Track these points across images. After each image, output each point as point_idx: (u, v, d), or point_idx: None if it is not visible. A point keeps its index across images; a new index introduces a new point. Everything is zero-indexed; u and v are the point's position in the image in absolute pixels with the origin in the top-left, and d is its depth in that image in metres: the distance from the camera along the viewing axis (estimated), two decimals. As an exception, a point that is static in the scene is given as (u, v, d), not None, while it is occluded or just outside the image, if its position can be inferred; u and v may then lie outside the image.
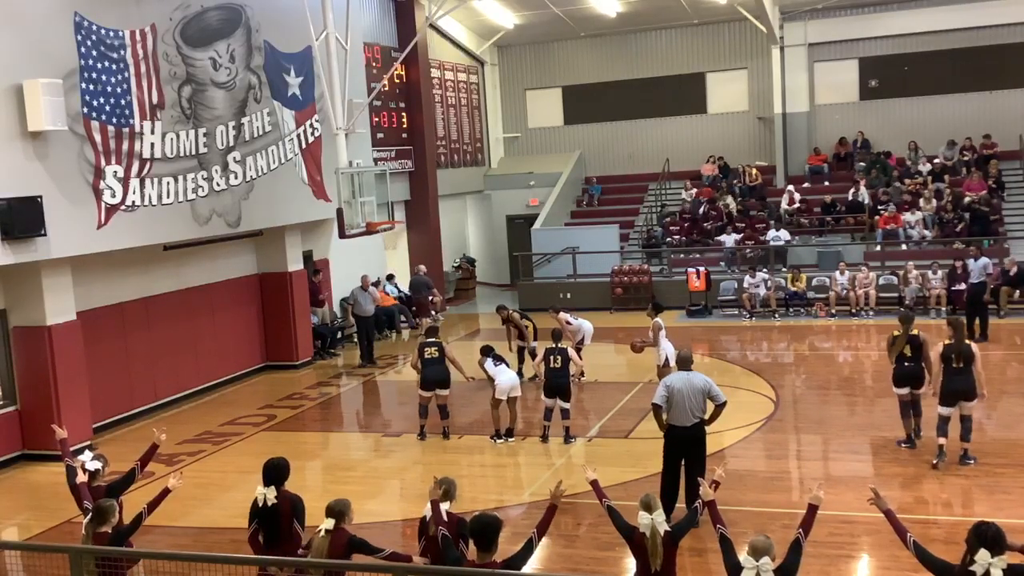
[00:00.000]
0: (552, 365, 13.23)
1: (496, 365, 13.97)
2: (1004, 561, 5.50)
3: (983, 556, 5.50)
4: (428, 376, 13.64)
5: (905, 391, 12.21)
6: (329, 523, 6.97)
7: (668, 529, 6.67)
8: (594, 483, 7.28)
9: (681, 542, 6.85)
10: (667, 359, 14.30)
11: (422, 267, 23.75)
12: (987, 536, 5.55)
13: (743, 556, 6.00)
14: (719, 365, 17.48)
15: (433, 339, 13.87)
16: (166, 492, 7.62)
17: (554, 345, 13.43)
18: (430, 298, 22.83)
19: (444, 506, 7.08)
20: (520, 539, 6.63)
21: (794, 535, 6.25)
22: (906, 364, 12.10)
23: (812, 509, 6.44)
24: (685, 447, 9.99)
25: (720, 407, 10.05)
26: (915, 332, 12.17)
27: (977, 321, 18.23)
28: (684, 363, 10.30)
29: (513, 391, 13.62)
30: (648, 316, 15.05)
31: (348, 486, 11.31)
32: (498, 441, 13.50)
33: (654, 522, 6.57)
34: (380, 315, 21.84)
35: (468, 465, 12.88)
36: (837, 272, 21.57)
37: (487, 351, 14.27)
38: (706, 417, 10.05)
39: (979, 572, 5.51)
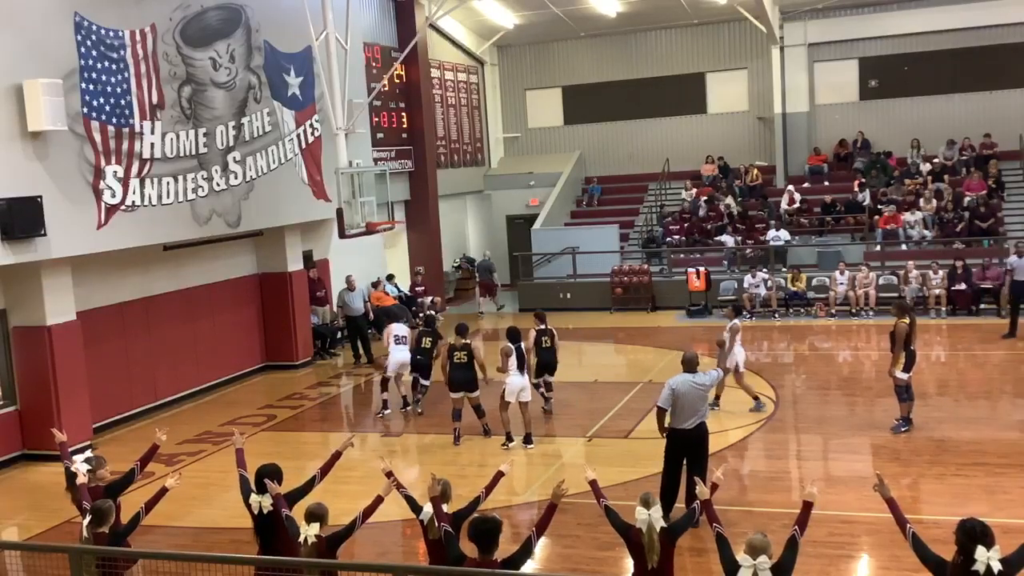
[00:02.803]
0: (544, 346, 14.36)
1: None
2: (998, 551, 5.60)
3: (981, 553, 5.56)
4: (455, 379, 13.52)
5: (907, 376, 12.69)
6: (315, 528, 6.89)
7: (665, 526, 6.67)
8: (593, 483, 7.27)
9: (681, 542, 6.86)
10: (738, 365, 14.18)
11: (487, 252, 26.49)
12: (976, 532, 5.62)
13: (741, 555, 6.02)
14: (719, 365, 17.42)
15: (464, 341, 13.61)
16: (164, 492, 7.63)
17: (544, 327, 14.43)
18: (493, 278, 25.35)
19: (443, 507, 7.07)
20: (521, 540, 6.62)
21: (789, 532, 6.26)
22: (911, 348, 12.60)
23: (807, 506, 6.48)
24: (688, 448, 9.99)
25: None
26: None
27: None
28: (689, 364, 10.25)
29: (523, 394, 13.32)
30: (727, 317, 14.70)
31: (348, 486, 11.28)
32: (510, 445, 13.25)
33: (651, 518, 6.57)
34: (380, 315, 21.83)
35: (468, 465, 12.86)
36: (837, 272, 21.57)
37: (514, 338, 13.52)
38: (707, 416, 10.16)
39: (981, 570, 5.55)
